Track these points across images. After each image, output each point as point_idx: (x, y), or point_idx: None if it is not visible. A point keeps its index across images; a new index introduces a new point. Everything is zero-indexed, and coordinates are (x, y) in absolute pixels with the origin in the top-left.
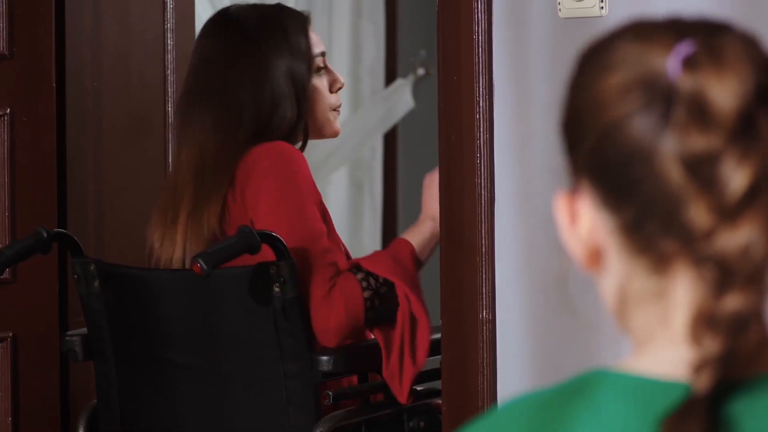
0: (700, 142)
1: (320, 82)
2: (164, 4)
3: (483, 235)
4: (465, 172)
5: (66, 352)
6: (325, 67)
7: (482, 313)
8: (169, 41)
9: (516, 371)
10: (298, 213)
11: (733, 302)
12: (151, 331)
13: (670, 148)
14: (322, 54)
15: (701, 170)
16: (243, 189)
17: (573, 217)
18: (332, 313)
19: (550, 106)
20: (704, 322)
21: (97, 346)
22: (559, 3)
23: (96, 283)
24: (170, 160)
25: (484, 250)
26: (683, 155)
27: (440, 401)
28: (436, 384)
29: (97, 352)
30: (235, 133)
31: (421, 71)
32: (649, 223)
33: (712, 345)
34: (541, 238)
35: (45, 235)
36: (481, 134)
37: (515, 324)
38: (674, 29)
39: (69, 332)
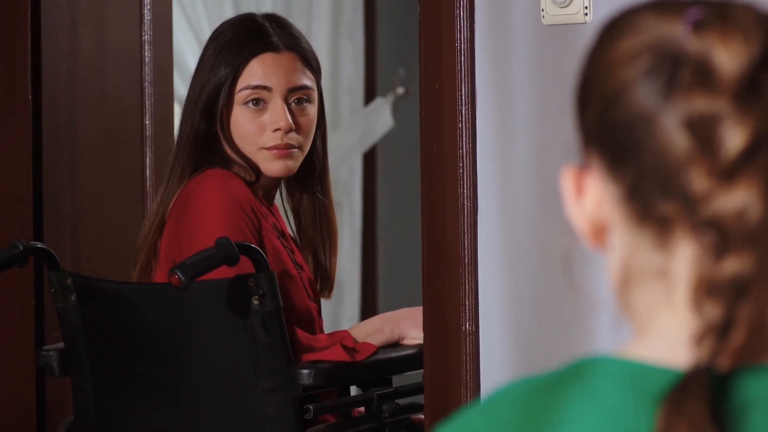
0: (702, 104)
1: (242, 115)
2: (141, 15)
3: (465, 246)
4: (447, 182)
5: (42, 366)
6: (263, 102)
7: (465, 325)
8: (146, 53)
9: (500, 384)
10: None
11: (732, 266)
12: (128, 346)
13: (673, 110)
14: (258, 88)
15: (702, 133)
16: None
17: (579, 190)
18: None
19: (534, 114)
20: (705, 289)
21: (74, 361)
22: (542, 10)
23: (73, 297)
24: (147, 173)
25: (466, 261)
26: (685, 117)
27: (422, 415)
28: (419, 398)
29: (74, 367)
30: (173, 168)
31: (400, 90)
32: (648, 185)
33: (713, 311)
34: (524, 249)
35: (21, 248)
36: (464, 143)
37: (499, 336)
38: (693, 3)
39: (45, 347)
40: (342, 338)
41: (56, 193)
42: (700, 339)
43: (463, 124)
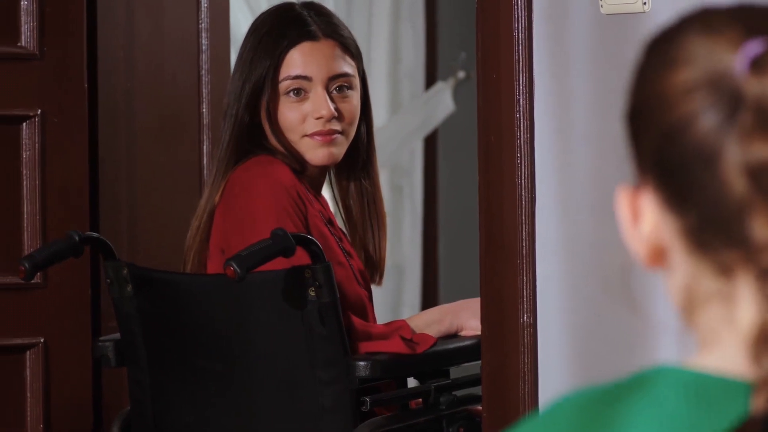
0: (763, 150)
1: (284, 105)
2: (198, 2)
3: (524, 237)
4: (505, 173)
5: (98, 357)
6: (304, 92)
7: (523, 316)
8: (203, 41)
9: (558, 376)
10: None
11: None
12: (184, 337)
13: (733, 154)
14: (298, 78)
15: (763, 179)
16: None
17: (635, 214)
18: None
19: (592, 105)
20: (764, 340)
21: (130, 352)
22: None
23: (129, 287)
24: (204, 161)
25: (525, 252)
26: (747, 164)
27: (480, 407)
28: (476, 390)
29: (130, 358)
30: (219, 162)
31: (461, 74)
32: (710, 231)
33: None
34: (583, 240)
35: (77, 238)
36: (521, 133)
37: (557, 328)
38: (743, 21)
39: (101, 337)
40: (399, 328)
41: (113, 183)
42: (757, 389)
43: (521, 114)
